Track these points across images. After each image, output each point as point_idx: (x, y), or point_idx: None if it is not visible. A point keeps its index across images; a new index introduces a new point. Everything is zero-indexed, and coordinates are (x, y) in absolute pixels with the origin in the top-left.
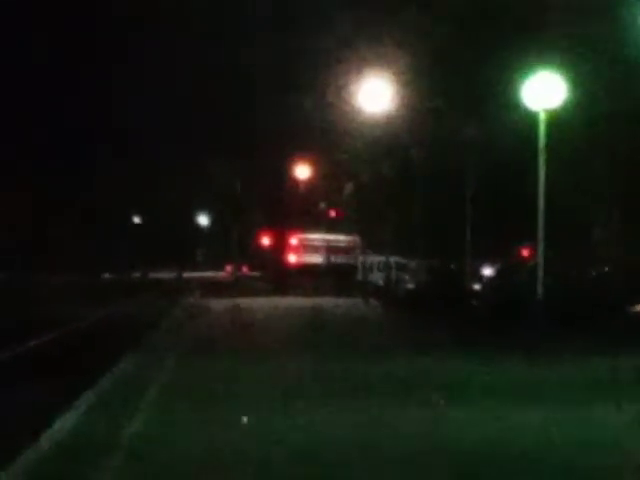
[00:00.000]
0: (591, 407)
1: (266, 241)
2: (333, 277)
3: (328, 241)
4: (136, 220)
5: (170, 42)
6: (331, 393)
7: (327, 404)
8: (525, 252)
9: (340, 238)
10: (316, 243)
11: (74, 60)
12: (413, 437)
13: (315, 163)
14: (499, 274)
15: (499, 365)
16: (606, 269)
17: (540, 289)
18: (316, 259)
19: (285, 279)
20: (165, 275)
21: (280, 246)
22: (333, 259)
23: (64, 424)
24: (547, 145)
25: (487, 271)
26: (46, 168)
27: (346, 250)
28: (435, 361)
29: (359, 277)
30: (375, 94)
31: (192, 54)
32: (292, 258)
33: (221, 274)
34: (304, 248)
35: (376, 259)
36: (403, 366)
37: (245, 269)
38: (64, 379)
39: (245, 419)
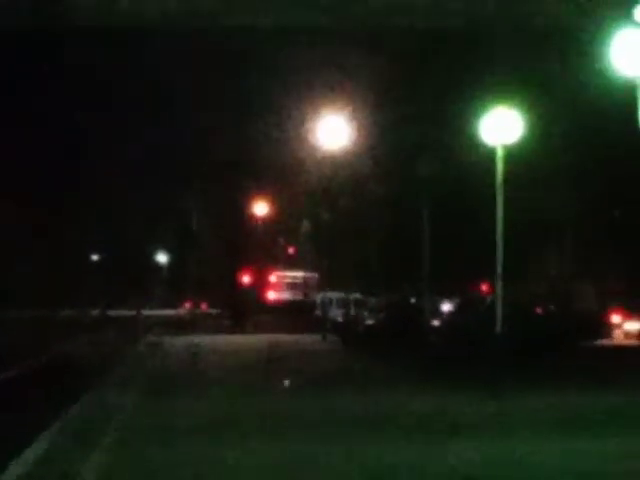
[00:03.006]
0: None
1: (246, 279)
2: (295, 313)
3: (305, 278)
4: (94, 257)
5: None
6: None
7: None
8: (484, 287)
9: (308, 275)
10: (294, 280)
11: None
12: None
13: (273, 200)
14: (457, 309)
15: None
16: (552, 307)
17: (499, 324)
18: (294, 295)
19: (244, 316)
20: (124, 312)
21: (259, 283)
22: (304, 296)
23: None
24: (505, 181)
25: (446, 307)
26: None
27: (308, 287)
28: (378, 396)
29: (318, 313)
30: (332, 131)
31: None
32: (272, 295)
33: (180, 311)
34: (282, 285)
35: (335, 295)
36: (348, 401)
37: (204, 306)
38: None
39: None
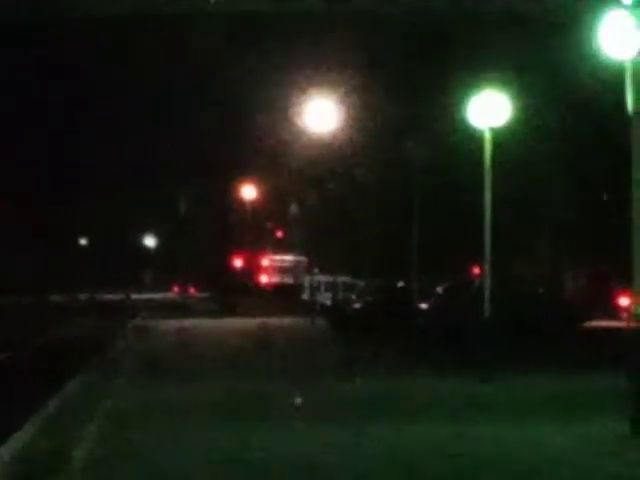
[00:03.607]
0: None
1: (238, 263)
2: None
3: (295, 262)
4: (82, 242)
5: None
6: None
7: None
8: (476, 270)
9: (297, 259)
10: (285, 264)
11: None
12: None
13: (261, 184)
14: (446, 292)
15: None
16: (540, 290)
17: (487, 307)
18: (286, 279)
19: (233, 299)
20: (113, 297)
21: (251, 267)
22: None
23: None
24: (493, 163)
25: (440, 290)
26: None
27: (298, 270)
28: (364, 380)
29: (306, 297)
30: (320, 114)
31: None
32: (264, 278)
33: (169, 295)
34: (274, 269)
35: (323, 279)
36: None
37: (192, 290)
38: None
39: None
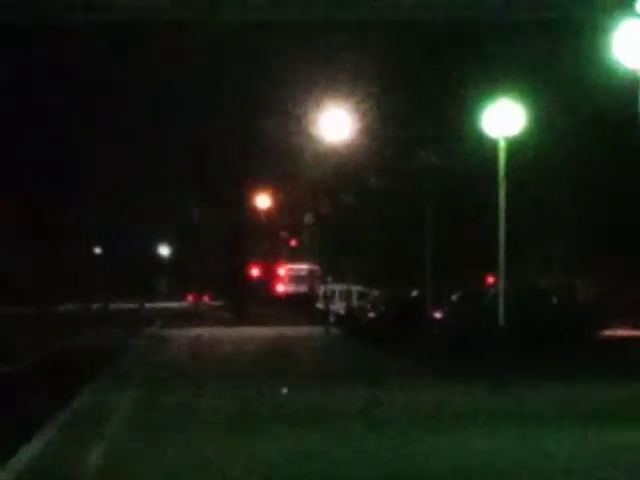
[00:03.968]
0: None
1: (255, 272)
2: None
3: (310, 271)
4: (97, 251)
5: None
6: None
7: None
8: (490, 279)
9: (312, 268)
10: (301, 273)
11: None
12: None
13: (275, 193)
14: (460, 301)
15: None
16: (555, 299)
17: (501, 316)
18: (302, 288)
19: (248, 308)
20: (127, 306)
21: (267, 276)
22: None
23: None
24: (507, 173)
25: (455, 298)
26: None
27: (313, 279)
28: (380, 390)
29: (320, 306)
30: (335, 124)
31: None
32: (281, 288)
33: (183, 304)
34: (290, 278)
35: (338, 288)
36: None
37: (206, 298)
38: None
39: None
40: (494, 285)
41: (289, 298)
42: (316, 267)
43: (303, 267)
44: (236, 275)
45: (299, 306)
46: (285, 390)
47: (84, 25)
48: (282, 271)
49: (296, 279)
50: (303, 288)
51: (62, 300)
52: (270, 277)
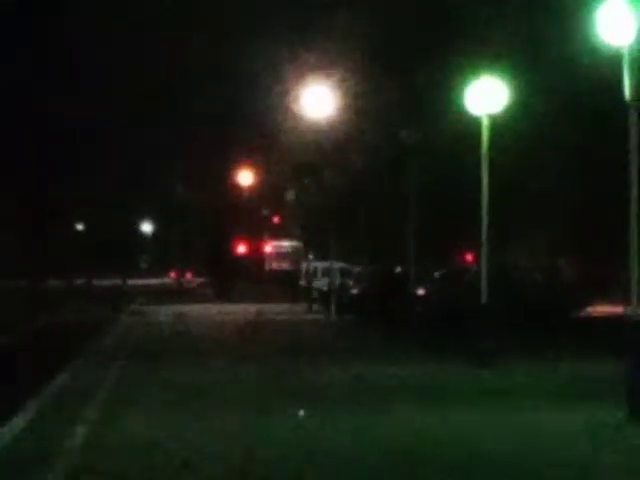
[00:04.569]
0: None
1: (241, 249)
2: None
3: (294, 247)
4: (79, 227)
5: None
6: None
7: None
8: (469, 257)
9: (295, 244)
10: (286, 250)
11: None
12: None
13: (258, 169)
14: (443, 278)
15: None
16: (537, 278)
17: (484, 294)
18: (288, 265)
19: (230, 285)
20: (109, 282)
21: (253, 253)
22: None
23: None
24: (490, 154)
25: (437, 275)
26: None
27: (297, 256)
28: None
29: (303, 283)
30: (317, 100)
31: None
32: (267, 264)
33: (165, 280)
34: (276, 255)
35: (320, 265)
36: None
37: (188, 275)
38: None
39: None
40: (475, 263)
41: (274, 275)
42: (299, 244)
43: (288, 244)
44: (219, 251)
45: (284, 283)
46: (302, 412)
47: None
48: (268, 248)
49: (281, 256)
50: (288, 265)
51: (46, 275)
52: (256, 254)
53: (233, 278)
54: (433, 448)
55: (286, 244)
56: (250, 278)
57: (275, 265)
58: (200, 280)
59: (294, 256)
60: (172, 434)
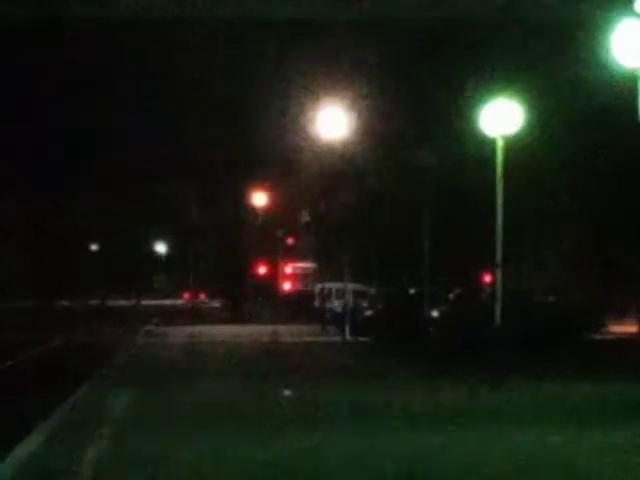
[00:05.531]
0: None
1: (257, 270)
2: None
3: (310, 269)
4: (93, 247)
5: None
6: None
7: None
8: (487, 278)
9: (309, 266)
10: (305, 271)
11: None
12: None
13: (272, 190)
14: (456, 301)
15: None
16: (551, 299)
17: (498, 315)
18: (307, 286)
19: (248, 306)
20: (123, 302)
21: (272, 274)
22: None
23: None
24: (505, 172)
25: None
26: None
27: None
28: (374, 388)
29: (317, 304)
30: (332, 121)
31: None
32: (287, 286)
33: (179, 302)
34: (297, 277)
35: (334, 286)
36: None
37: (202, 296)
38: None
39: None
40: (490, 284)
41: (295, 296)
42: (313, 265)
43: (308, 265)
44: (234, 273)
45: (301, 304)
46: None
47: (83, 21)
48: (289, 269)
49: (303, 277)
50: (308, 286)
51: (59, 296)
52: (276, 275)
53: (248, 299)
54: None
55: (307, 265)
56: (266, 299)
57: (297, 287)
58: (215, 302)
59: (306, 278)
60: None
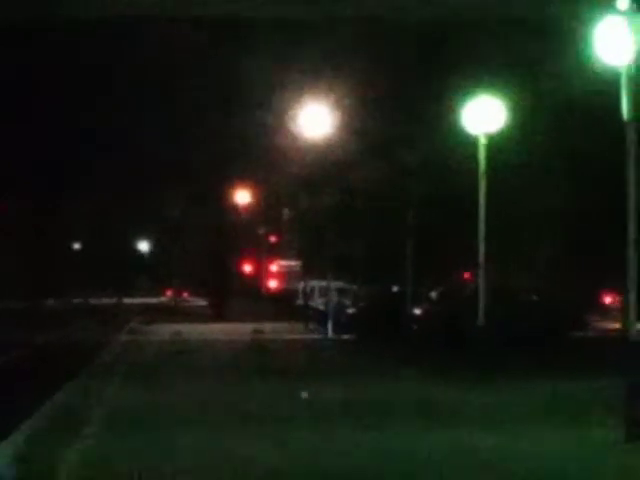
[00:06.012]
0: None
1: (247, 268)
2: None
3: (290, 267)
4: (76, 246)
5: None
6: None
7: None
8: (467, 275)
9: (293, 264)
10: (290, 269)
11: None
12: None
13: (254, 188)
14: (439, 297)
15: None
16: (535, 297)
17: (481, 313)
18: (293, 284)
19: (233, 305)
20: (106, 301)
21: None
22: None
23: None
24: (488, 171)
25: (434, 295)
26: None
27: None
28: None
29: (300, 302)
30: (314, 119)
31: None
32: (273, 284)
33: (162, 299)
34: (283, 275)
35: (318, 284)
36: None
37: (185, 294)
38: None
39: None
40: (472, 281)
41: (279, 294)
42: (295, 263)
43: (292, 264)
44: (217, 270)
45: (285, 302)
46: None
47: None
48: (275, 267)
49: (289, 275)
50: (293, 284)
51: (43, 295)
52: (259, 273)
53: (230, 297)
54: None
55: (292, 263)
56: (248, 297)
57: (283, 285)
58: (199, 299)
59: (289, 276)
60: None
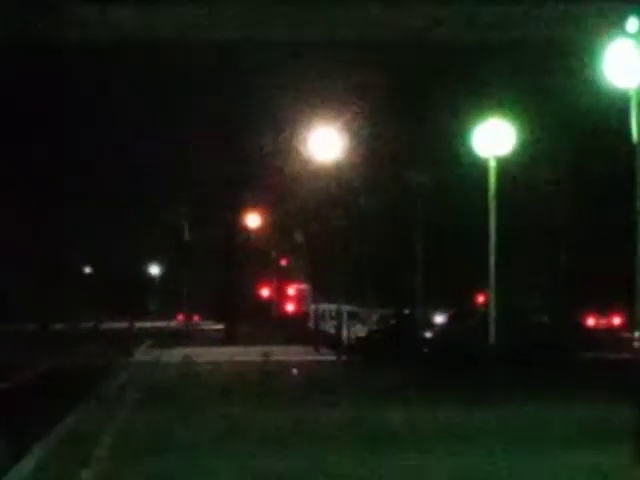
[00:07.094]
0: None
1: (265, 292)
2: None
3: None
4: (87, 270)
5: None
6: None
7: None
8: (480, 298)
9: (302, 287)
10: (306, 292)
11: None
12: None
13: (265, 212)
14: (451, 320)
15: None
16: (544, 318)
17: (492, 335)
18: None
19: (236, 327)
20: (117, 325)
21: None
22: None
23: None
24: (498, 193)
25: (439, 318)
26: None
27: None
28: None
29: (311, 325)
30: (324, 143)
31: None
32: (290, 307)
33: (172, 324)
34: (299, 298)
35: (328, 307)
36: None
37: (196, 318)
38: None
39: None
40: (484, 305)
41: (290, 318)
42: (306, 286)
43: (302, 287)
44: (232, 294)
45: (296, 326)
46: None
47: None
48: (292, 291)
49: (304, 299)
50: (307, 307)
51: (53, 318)
52: (272, 296)
53: (241, 320)
54: None
55: (302, 287)
56: (260, 320)
57: (300, 308)
58: (210, 323)
59: (308, 299)
60: None
